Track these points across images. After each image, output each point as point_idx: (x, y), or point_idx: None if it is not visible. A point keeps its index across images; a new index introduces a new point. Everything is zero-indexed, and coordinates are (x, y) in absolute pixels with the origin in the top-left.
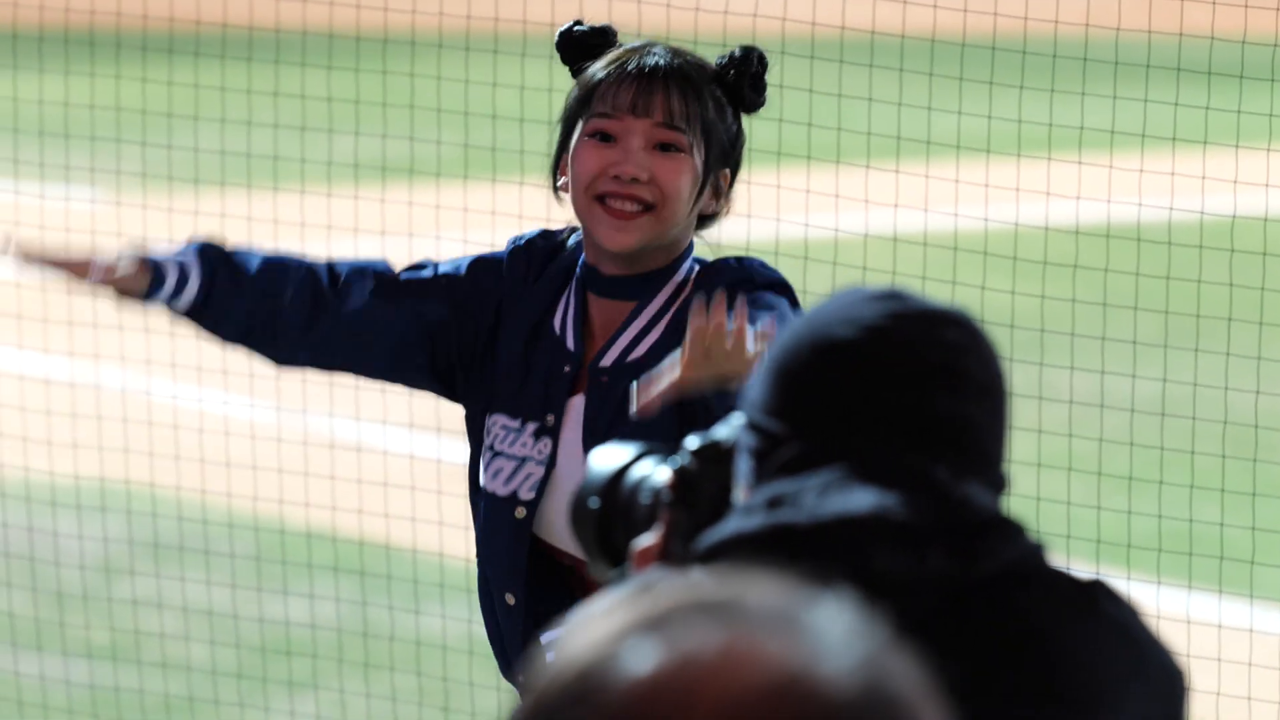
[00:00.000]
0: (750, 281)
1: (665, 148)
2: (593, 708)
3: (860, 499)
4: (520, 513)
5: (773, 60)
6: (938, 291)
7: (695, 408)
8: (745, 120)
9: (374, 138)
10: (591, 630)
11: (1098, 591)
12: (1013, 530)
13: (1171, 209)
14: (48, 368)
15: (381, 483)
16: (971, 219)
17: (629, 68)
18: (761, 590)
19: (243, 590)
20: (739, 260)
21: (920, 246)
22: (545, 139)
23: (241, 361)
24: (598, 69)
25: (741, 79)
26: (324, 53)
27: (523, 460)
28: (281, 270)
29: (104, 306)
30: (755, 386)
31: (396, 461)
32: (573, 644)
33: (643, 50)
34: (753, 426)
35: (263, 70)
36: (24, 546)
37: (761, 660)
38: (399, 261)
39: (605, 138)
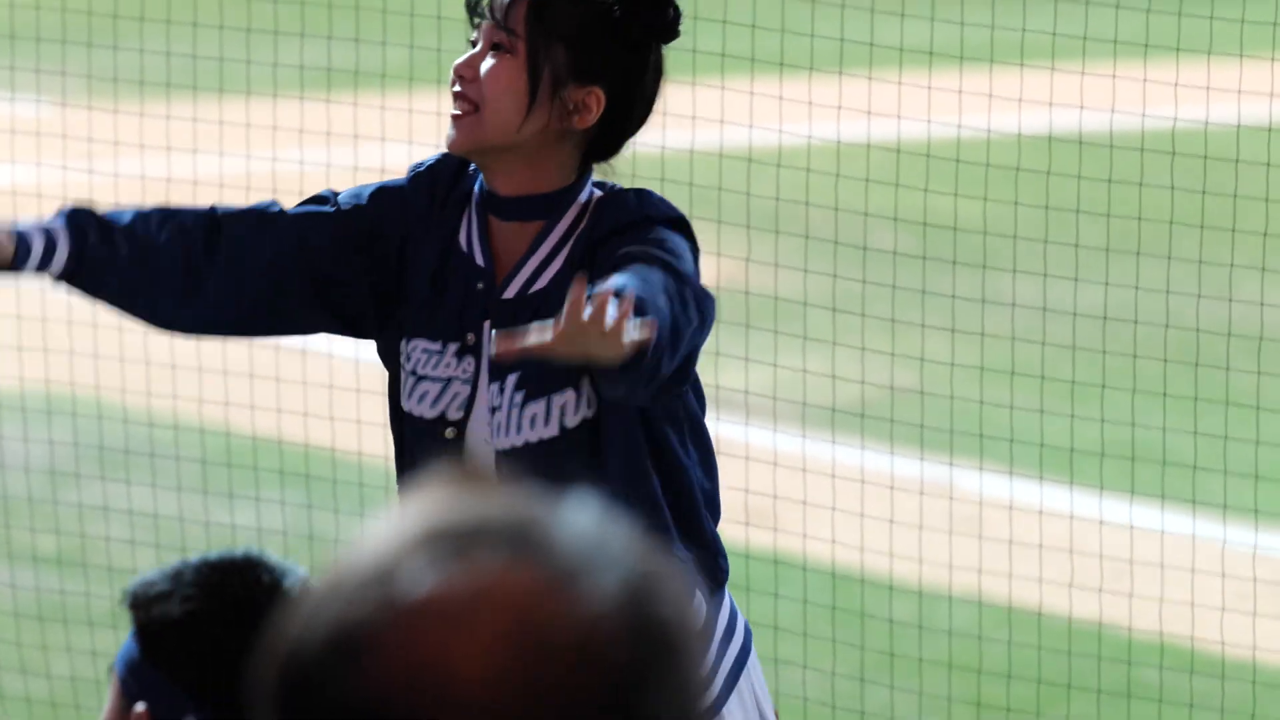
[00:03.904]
0: (648, 218)
1: (496, 48)
2: (369, 627)
3: None
4: (450, 433)
5: None
6: (882, 197)
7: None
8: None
9: (319, 39)
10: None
11: None
12: None
13: (1113, 113)
14: None
15: (327, 385)
16: (914, 123)
17: None
18: (507, 507)
19: (189, 495)
20: (637, 194)
21: (864, 150)
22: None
23: None
24: None
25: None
26: None
27: (448, 381)
28: (157, 225)
29: (51, 208)
30: None
31: (342, 365)
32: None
33: None
34: None
35: None
36: None
37: (513, 584)
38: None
39: (472, 43)
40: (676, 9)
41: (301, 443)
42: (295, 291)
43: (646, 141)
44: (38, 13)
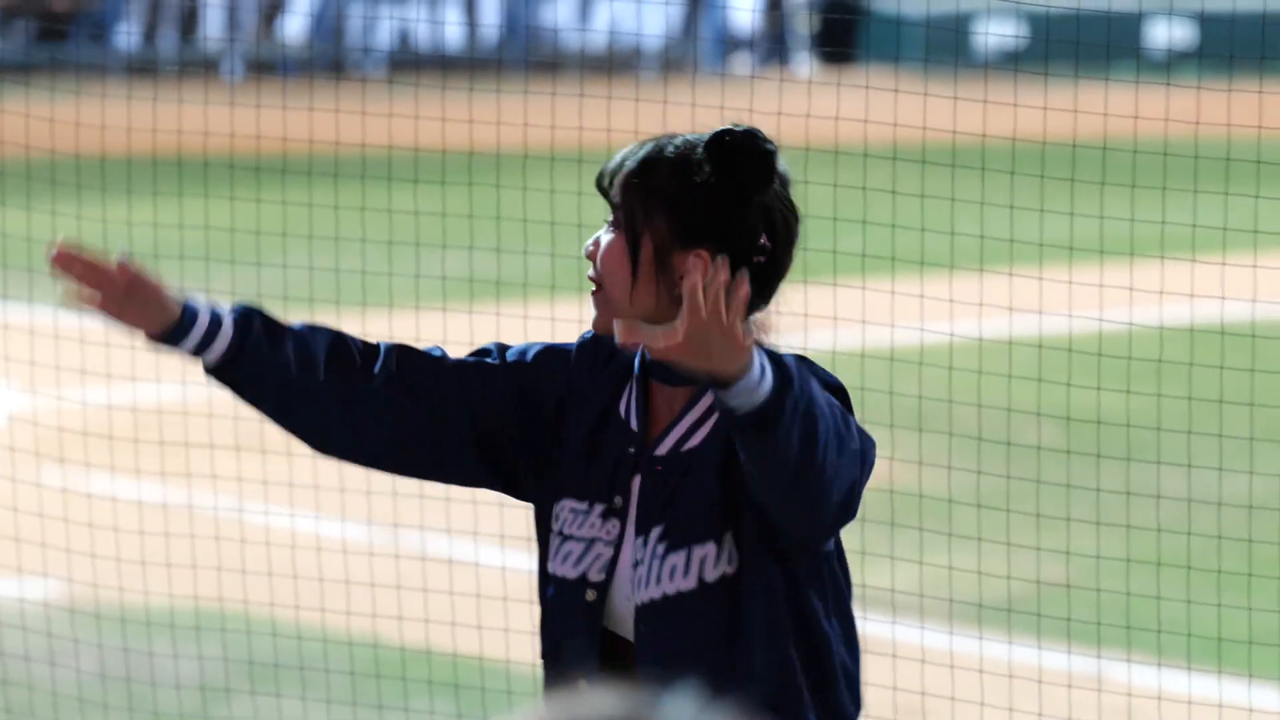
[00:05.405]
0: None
1: (613, 224)
2: None
3: None
4: (591, 595)
5: (874, 166)
6: (1025, 393)
7: (739, 501)
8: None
9: (461, 250)
10: None
11: None
12: None
13: (1254, 302)
14: (140, 489)
15: (474, 595)
16: (1056, 317)
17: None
18: (607, 703)
19: (338, 707)
20: (798, 358)
21: (1005, 346)
22: None
23: (332, 477)
24: None
25: (720, 158)
26: (410, 168)
27: (591, 541)
28: (322, 338)
29: (196, 425)
30: None
31: (489, 574)
32: None
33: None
34: None
35: (350, 187)
36: (120, 668)
37: None
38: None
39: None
40: (767, 156)
41: (450, 652)
42: (454, 434)
43: (788, 343)
44: (180, 231)
